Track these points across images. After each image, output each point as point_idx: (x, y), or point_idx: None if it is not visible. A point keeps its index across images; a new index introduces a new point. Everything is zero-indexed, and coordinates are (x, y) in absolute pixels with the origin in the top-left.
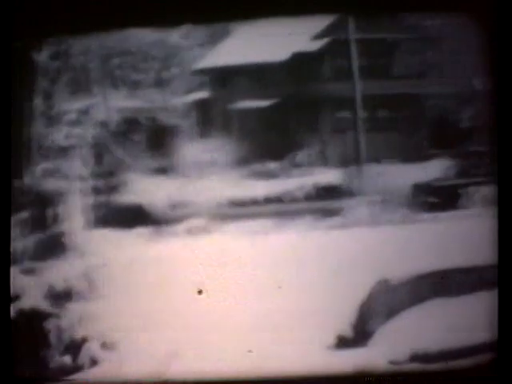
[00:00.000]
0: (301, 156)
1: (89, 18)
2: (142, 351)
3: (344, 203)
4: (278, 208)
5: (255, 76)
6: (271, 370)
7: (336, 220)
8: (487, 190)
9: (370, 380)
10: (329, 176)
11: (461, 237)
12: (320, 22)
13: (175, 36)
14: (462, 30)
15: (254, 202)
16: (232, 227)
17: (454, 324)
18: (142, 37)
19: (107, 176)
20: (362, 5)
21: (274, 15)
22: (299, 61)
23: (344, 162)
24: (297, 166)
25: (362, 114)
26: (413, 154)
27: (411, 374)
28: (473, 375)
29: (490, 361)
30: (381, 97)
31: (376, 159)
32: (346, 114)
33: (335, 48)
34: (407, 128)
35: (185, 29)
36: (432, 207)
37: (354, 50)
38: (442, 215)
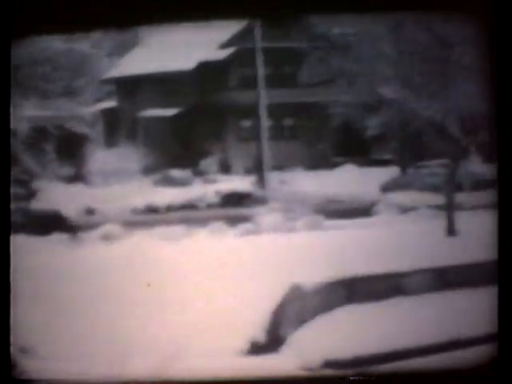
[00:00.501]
0: (207, 164)
1: (89, 17)
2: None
3: (253, 210)
4: (189, 215)
5: (162, 85)
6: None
7: (246, 226)
8: (400, 198)
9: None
10: (234, 184)
11: (370, 244)
12: (227, 31)
13: (85, 45)
14: (373, 38)
15: (165, 209)
16: (144, 234)
17: (365, 330)
18: (52, 46)
19: (18, 184)
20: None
21: (183, 20)
22: (205, 70)
23: (249, 170)
24: (203, 173)
25: (266, 122)
26: (318, 162)
27: (410, 374)
28: (473, 375)
29: (490, 361)
30: (286, 105)
31: (280, 167)
32: (250, 123)
33: (242, 57)
34: (312, 136)
35: (94, 38)
36: (339, 214)
37: (260, 58)
38: (349, 222)
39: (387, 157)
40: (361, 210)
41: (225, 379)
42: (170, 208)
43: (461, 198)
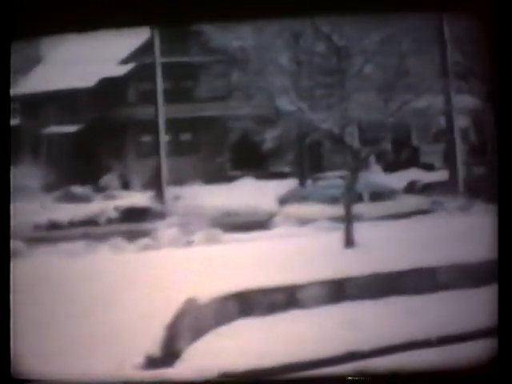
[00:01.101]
0: (107, 180)
1: (89, 17)
2: None
3: (152, 225)
4: (90, 230)
5: (65, 102)
6: None
7: (145, 241)
8: (298, 210)
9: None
10: (134, 199)
11: (268, 257)
12: (127, 46)
13: None
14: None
15: (67, 225)
16: (47, 250)
17: (261, 343)
18: None
19: None
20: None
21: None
22: (106, 86)
23: (148, 186)
24: (103, 189)
25: (165, 137)
26: (216, 176)
27: (410, 374)
28: (473, 375)
29: (490, 361)
30: (185, 120)
31: (179, 182)
32: (150, 138)
33: (141, 72)
34: (210, 150)
35: None
36: (237, 228)
37: (159, 73)
38: (247, 235)
39: (285, 169)
40: (259, 223)
41: (225, 379)
42: (71, 224)
43: (360, 209)
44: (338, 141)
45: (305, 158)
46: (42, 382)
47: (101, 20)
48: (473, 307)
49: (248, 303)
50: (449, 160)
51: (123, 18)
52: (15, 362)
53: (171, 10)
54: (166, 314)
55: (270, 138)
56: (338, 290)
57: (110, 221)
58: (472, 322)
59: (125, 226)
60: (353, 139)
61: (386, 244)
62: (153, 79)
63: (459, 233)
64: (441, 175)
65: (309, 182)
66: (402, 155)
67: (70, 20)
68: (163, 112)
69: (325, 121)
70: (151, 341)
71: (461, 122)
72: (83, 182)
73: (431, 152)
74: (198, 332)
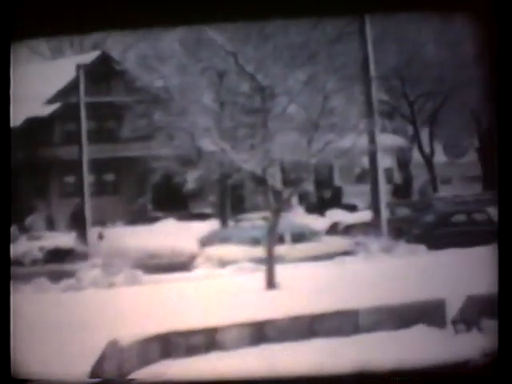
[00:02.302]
0: (32, 220)
1: (90, 18)
2: None
3: (75, 266)
4: (14, 271)
5: None
6: None
7: (68, 282)
8: (219, 252)
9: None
10: (58, 240)
11: (188, 298)
12: (53, 86)
13: None
14: (194, 90)
15: None
16: None
17: None
18: None
19: None
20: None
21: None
22: (32, 125)
23: (72, 226)
24: (28, 229)
25: (88, 178)
26: (138, 217)
27: (410, 374)
28: (473, 376)
29: (490, 361)
30: (107, 160)
31: (102, 222)
32: (73, 179)
33: (66, 112)
34: (133, 191)
35: None
36: (159, 269)
37: (83, 113)
38: (169, 277)
39: (207, 210)
40: (180, 265)
41: (225, 379)
42: None
43: (282, 250)
44: (260, 182)
45: (226, 199)
46: (42, 382)
47: (101, 20)
48: (394, 349)
49: (169, 345)
50: (372, 201)
51: (123, 19)
52: (15, 362)
53: (168, 10)
54: (90, 355)
55: (191, 178)
56: (260, 332)
57: (34, 261)
58: (393, 363)
59: (49, 267)
60: (275, 180)
61: (308, 286)
62: (77, 119)
63: (382, 274)
64: (364, 216)
65: (230, 223)
66: (324, 196)
67: (70, 20)
68: (87, 152)
69: (247, 161)
70: (76, 379)
71: (385, 162)
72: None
73: (354, 193)
74: (121, 373)
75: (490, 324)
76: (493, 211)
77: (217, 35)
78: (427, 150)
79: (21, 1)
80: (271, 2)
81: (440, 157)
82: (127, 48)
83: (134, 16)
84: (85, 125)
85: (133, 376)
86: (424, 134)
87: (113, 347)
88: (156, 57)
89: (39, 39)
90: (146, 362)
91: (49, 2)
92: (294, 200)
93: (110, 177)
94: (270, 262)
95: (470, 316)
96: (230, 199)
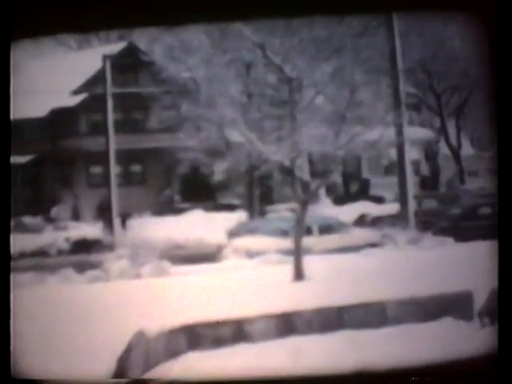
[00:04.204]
0: (58, 210)
1: (90, 17)
2: None
3: (102, 257)
4: (40, 261)
5: (15, 132)
6: None
7: (95, 273)
8: (247, 243)
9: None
10: (84, 230)
11: (217, 289)
12: (79, 77)
13: None
14: (221, 81)
15: (18, 256)
16: None
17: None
18: None
19: None
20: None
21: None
22: (57, 116)
23: (98, 217)
24: (54, 220)
25: (115, 168)
26: (165, 208)
27: (410, 374)
28: (473, 375)
29: (490, 361)
30: (134, 151)
31: (129, 213)
32: (100, 169)
33: (92, 103)
34: (160, 182)
35: None
36: (186, 260)
37: (110, 104)
38: (196, 268)
39: (234, 202)
40: (208, 256)
41: (225, 379)
42: (22, 255)
43: (309, 242)
44: (288, 173)
45: (254, 191)
46: (41, 381)
47: (101, 20)
48: (422, 342)
49: (196, 336)
50: (399, 193)
51: (123, 19)
52: (15, 362)
53: (172, 10)
54: (116, 347)
55: (219, 170)
56: (287, 324)
57: (60, 252)
58: (421, 356)
59: (75, 258)
60: (302, 172)
61: (336, 277)
62: (104, 110)
63: (409, 266)
64: (391, 208)
65: (258, 214)
66: (351, 188)
67: (70, 20)
68: (113, 143)
69: (275, 153)
70: (101, 374)
71: (412, 154)
72: (34, 213)
73: (382, 185)
74: (148, 365)
75: None
76: None
77: (243, 27)
78: (454, 142)
79: (21, 1)
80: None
81: (467, 149)
82: (154, 39)
83: (134, 15)
84: (111, 115)
85: (159, 368)
86: (451, 127)
87: (139, 339)
88: (182, 48)
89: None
90: (172, 353)
91: (49, 1)
92: (322, 192)
93: (136, 168)
94: (297, 253)
95: (496, 309)
96: (257, 191)
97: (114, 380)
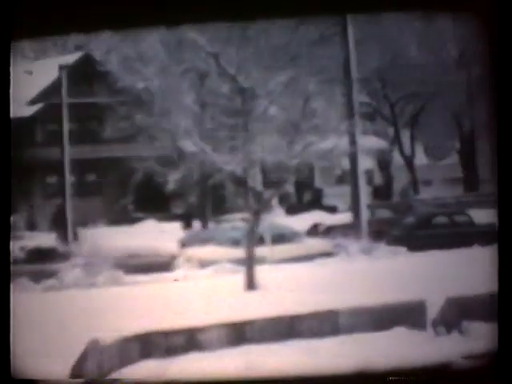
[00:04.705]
0: (13, 221)
1: (89, 18)
2: None
3: (57, 266)
4: None
5: None
6: None
7: (50, 282)
8: (200, 253)
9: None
10: (40, 239)
11: (168, 298)
12: (35, 86)
13: None
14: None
15: None
16: None
17: None
18: None
19: None
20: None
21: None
22: (13, 126)
23: (53, 227)
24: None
25: (70, 178)
26: (120, 217)
27: (410, 374)
28: (473, 375)
29: (490, 361)
30: (89, 161)
31: (84, 223)
32: (55, 179)
33: (49, 113)
34: (115, 192)
35: None
36: (140, 269)
37: (65, 114)
38: (150, 277)
39: (188, 211)
40: (161, 265)
41: (225, 379)
42: None
43: (262, 251)
44: (241, 183)
45: (207, 200)
46: (42, 381)
47: (101, 20)
48: (373, 351)
49: (149, 345)
50: (352, 202)
51: (123, 19)
52: (15, 362)
53: (171, 11)
54: (70, 355)
55: (172, 179)
56: (239, 333)
57: (15, 261)
58: (372, 364)
59: (30, 267)
60: (255, 181)
61: (288, 287)
62: (60, 120)
63: (362, 276)
64: (344, 218)
65: (211, 224)
66: (304, 197)
67: (70, 20)
68: (69, 153)
69: (228, 162)
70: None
71: (365, 163)
72: None
73: (335, 194)
74: (101, 373)
75: (471, 326)
76: (473, 213)
77: (198, 36)
78: (408, 152)
79: (21, 1)
80: (254, 3)
81: (421, 159)
82: (110, 49)
83: (134, 15)
84: (67, 126)
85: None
86: (405, 136)
87: (93, 347)
88: (138, 58)
89: (38, 39)
90: (126, 361)
91: (49, 2)
92: (275, 201)
93: (92, 177)
94: (249, 263)
95: (451, 318)
96: (210, 200)
97: (114, 380)
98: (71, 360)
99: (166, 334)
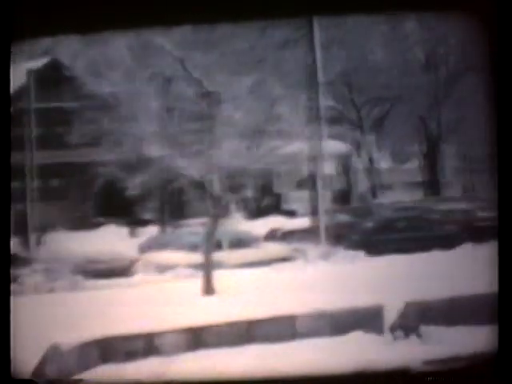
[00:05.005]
0: None
1: (89, 17)
2: None
3: (17, 271)
4: None
5: None
6: None
7: (12, 287)
8: (158, 257)
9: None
10: None
11: (127, 304)
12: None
13: None
14: (141, 96)
15: None
16: None
17: None
18: None
19: None
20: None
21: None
22: None
23: (15, 232)
24: None
25: (32, 183)
26: (81, 223)
27: (410, 375)
28: (473, 375)
29: (490, 361)
30: (55, 166)
31: (45, 228)
32: (19, 184)
33: (15, 118)
34: (77, 197)
35: None
36: (99, 274)
37: (33, 119)
38: (109, 282)
39: (148, 216)
40: (120, 270)
41: (225, 379)
42: None
43: (220, 256)
44: (200, 188)
45: (167, 205)
46: (42, 382)
47: (101, 21)
48: (331, 355)
49: (108, 350)
50: (311, 207)
51: (123, 19)
52: (15, 362)
53: (171, 11)
54: (30, 360)
55: (134, 184)
56: (197, 338)
57: None
58: (329, 368)
59: None
60: (215, 186)
61: (246, 292)
62: (25, 124)
63: (320, 280)
64: (303, 222)
65: (170, 229)
66: (263, 202)
67: (70, 20)
68: (34, 157)
69: (188, 167)
70: None
71: (326, 167)
72: None
73: (295, 199)
74: (61, 377)
75: (429, 330)
76: (433, 217)
77: (164, 41)
78: (372, 156)
79: (21, 1)
80: (220, 6)
81: (384, 163)
82: (77, 54)
83: (134, 16)
84: (34, 130)
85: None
86: (370, 140)
87: (53, 351)
88: (105, 63)
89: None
90: (85, 366)
91: (49, 2)
92: (234, 206)
93: (56, 182)
94: (207, 268)
95: (409, 322)
96: (169, 205)
97: (115, 380)
98: (30, 365)
99: (125, 339)
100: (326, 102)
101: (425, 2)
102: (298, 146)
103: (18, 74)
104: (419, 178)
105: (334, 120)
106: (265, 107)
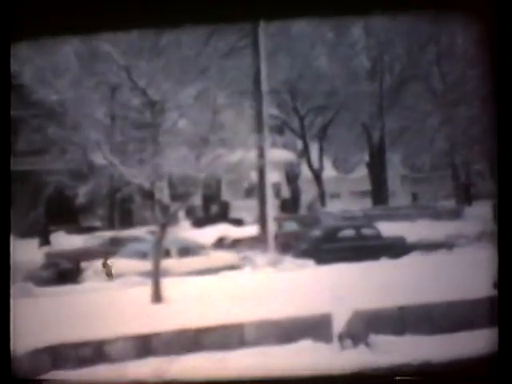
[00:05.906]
0: None
1: (89, 18)
2: None
3: None
4: None
5: None
6: None
7: None
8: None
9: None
10: None
11: (76, 311)
12: None
13: None
14: (86, 104)
15: None
16: None
17: None
18: None
19: None
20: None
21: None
22: None
23: None
24: None
25: None
26: (30, 231)
27: (410, 374)
28: (472, 375)
29: (490, 361)
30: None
31: None
32: None
33: None
34: (26, 204)
35: None
36: (50, 281)
37: None
38: (60, 289)
39: (96, 224)
40: (70, 277)
41: (225, 379)
42: None
43: (168, 264)
44: (148, 196)
45: (115, 213)
46: (42, 381)
47: (100, 21)
48: (279, 364)
49: (59, 356)
50: (259, 215)
51: (123, 20)
52: (15, 362)
53: (171, 11)
54: None
55: (82, 192)
56: (145, 345)
57: None
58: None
59: None
60: (162, 194)
61: (194, 300)
62: None
63: (268, 289)
64: (251, 231)
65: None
66: (211, 210)
67: (70, 21)
68: None
69: (136, 176)
70: None
71: (273, 176)
72: None
73: (242, 207)
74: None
75: (377, 339)
76: (381, 226)
77: (111, 49)
78: (316, 164)
79: (21, 1)
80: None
81: (329, 171)
82: (24, 61)
83: (134, 16)
84: None
85: None
86: (314, 149)
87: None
88: (52, 70)
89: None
90: (37, 372)
91: (49, 2)
92: (181, 214)
93: None
94: (155, 275)
95: (357, 331)
96: (118, 213)
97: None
98: None
99: (76, 346)
100: (270, 110)
101: (425, 2)
102: (242, 155)
103: None
104: (367, 187)
105: (278, 128)
106: (209, 116)
